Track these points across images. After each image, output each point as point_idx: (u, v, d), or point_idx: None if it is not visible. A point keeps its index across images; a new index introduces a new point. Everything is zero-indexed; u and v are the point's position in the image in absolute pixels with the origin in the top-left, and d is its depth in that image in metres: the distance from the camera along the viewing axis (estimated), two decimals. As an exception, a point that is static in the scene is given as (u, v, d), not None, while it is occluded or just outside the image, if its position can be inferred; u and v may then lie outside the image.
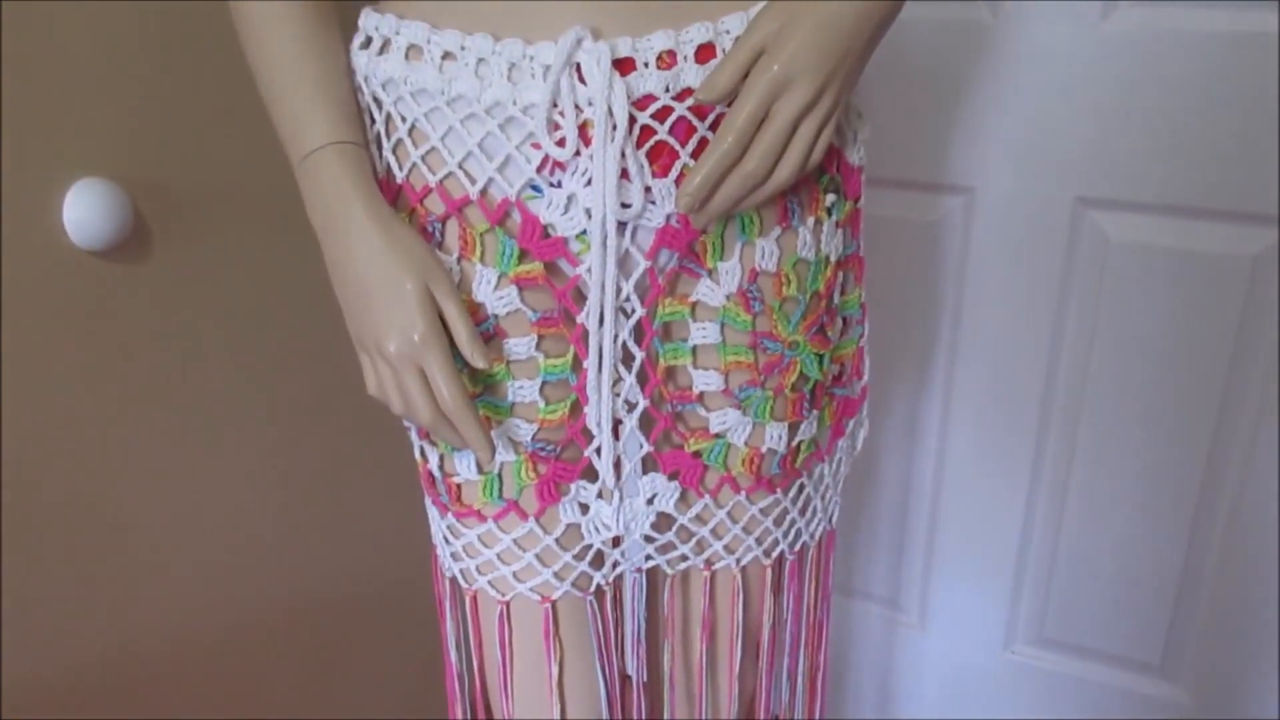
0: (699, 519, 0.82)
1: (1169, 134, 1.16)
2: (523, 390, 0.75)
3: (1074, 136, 1.20)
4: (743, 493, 0.81)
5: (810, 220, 0.75)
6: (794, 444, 0.81)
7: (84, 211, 0.84)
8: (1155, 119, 1.16)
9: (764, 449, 0.79)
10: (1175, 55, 1.13)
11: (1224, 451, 1.24)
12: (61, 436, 0.89)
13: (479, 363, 0.69)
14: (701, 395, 0.78)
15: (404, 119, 0.71)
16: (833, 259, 0.78)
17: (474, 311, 0.73)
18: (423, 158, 0.72)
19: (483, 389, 0.75)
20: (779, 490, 0.82)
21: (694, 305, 0.75)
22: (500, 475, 0.78)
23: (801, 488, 0.85)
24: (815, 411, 0.81)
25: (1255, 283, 1.17)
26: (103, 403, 0.92)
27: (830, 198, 0.76)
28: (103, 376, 0.91)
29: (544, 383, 0.75)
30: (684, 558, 0.84)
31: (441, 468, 0.79)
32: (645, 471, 0.80)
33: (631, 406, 0.78)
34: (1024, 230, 1.27)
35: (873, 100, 1.28)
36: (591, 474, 0.79)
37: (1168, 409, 1.25)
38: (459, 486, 0.79)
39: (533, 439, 0.77)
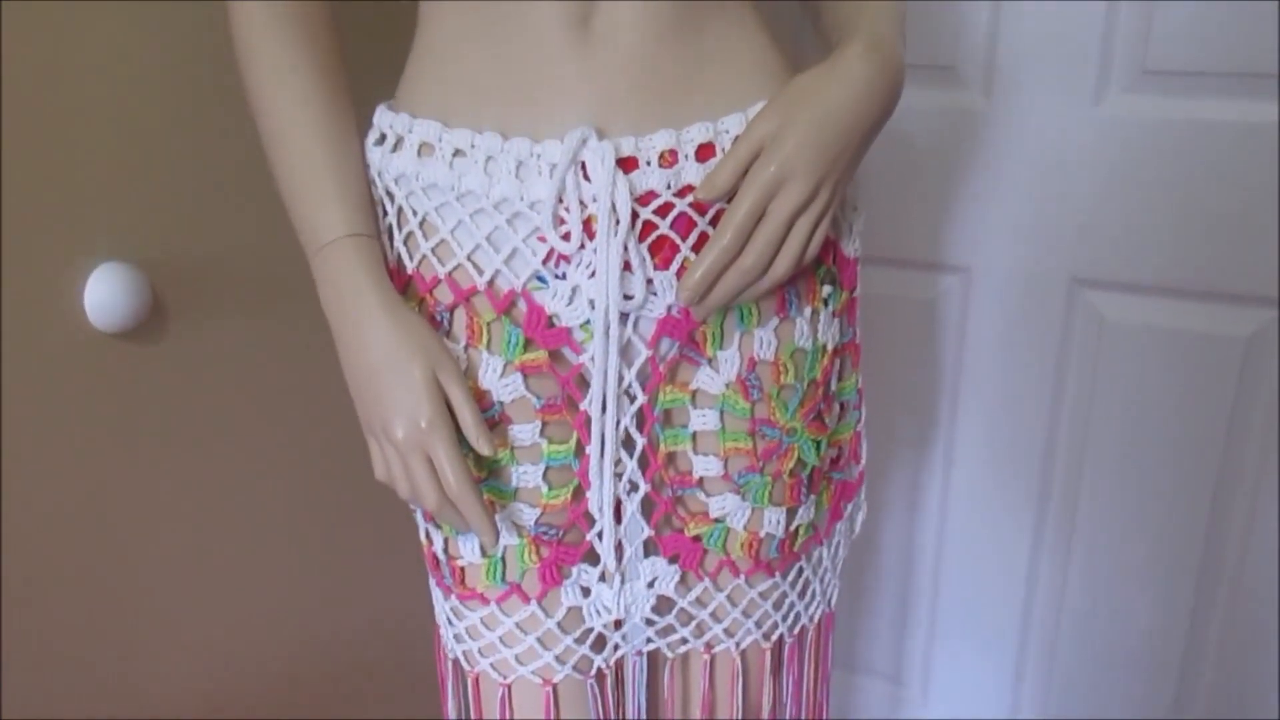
0: (699, 602, 0.83)
1: (1163, 216, 1.18)
2: (526, 475, 0.77)
3: (1069, 217, 1.23)
4: (742, 576, 0.82)
5: (807, 310, 0.77)
6: (792, 528, 0.82)
7: (104, 295, 0.86)
8: (1149, 201, 1.19)
9: (762, 533, 0.80)
10: (1167, 140, 1.16)
11: (1223, 525, 1.24)
12: (74, 512, 0.91)
13: (484, 449, 0.71)
14: (701, 480, 0.79)
15: (415, 212, 0.74)
16: (829, 347, 0.80)
17: (480, 398, 0.75)
18: (433, 249, 0.74)
19: (487, 473, 0.77)
20: (778, 574, 0.84)
21: (694, 392, 0.77)
22: (503, 558, 0.79)
23: (800, 571, 0.86)
24: (813, 496, 0.83)
25: (1249, 363, 1.19)
26: (115, 478, 0.93)
27: (827, 289, 0.78)
28: (117, 454, 0.93)
29: (547, 467, 0.77)
30: (684, 640, 0.85)
31: (446, 550, 0.81)
32: (646, 555, 0.82)
33: (633, 490, 0.79)
34: (1020, 309, 1.29)
35: (871, 180, 1.31)
36: (593, 557, 0.80)
37: (1166, 485, 1.26)
38: (463, 569, 0.80)
39: (536, 522, 0.78)
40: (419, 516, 0.82)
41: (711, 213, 0.71)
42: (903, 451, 1.42)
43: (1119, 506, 1.29)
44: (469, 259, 0.73)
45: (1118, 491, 1.29)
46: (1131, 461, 1.27)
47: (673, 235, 0.71)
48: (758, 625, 0.85)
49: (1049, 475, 1.33)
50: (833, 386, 0.83)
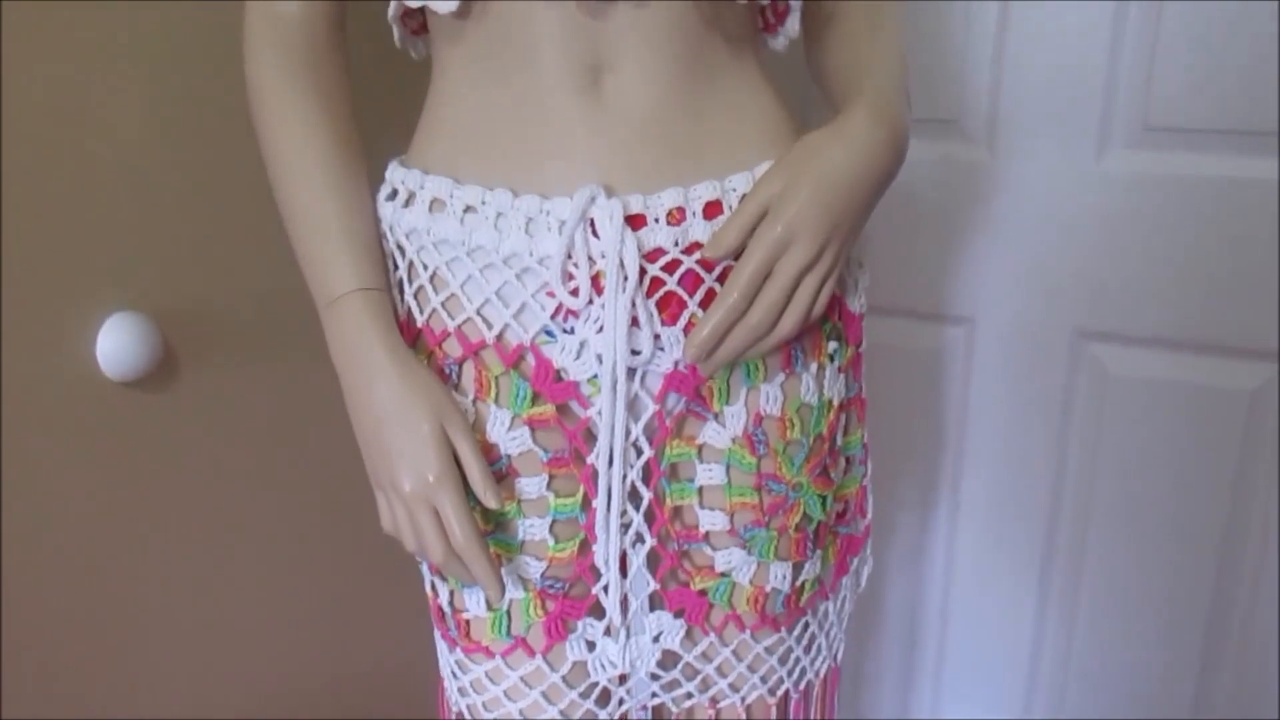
0: (704, 656, 0.83)
1: (1165, 270, 1.19)
2: (533, 528, 0.77)
3: (1072, 270, 1.24)
4: (747, 631, 0.82)
5: (813, 366, 0.78)
6: (798, 583, 0.82)
7: (116, 344, 0.87)
8: (1151, 255, 1.20)
9: (768, 588, 0.80)
10: (1169, 195, 1.17)
11: (1230, 579, 1.24)
12: (84, 558, 0.91)
13: (491, 502, 0.71)
14: (707, 534, 0.79)
15: (426, 266, 0.75)
16: (835, 402, 0.80)
17: (487, 451, 0.75)
18: (443, 303, 0.75)
19: (494, 526, 0.77)
20: (783, 629, 0.83)
21: (700, 447, 0.77)
22: (509, 612, 0.79)
23: (806, 626, 0.85)
24: (819, 550, 0.83)
25: (1254, 417, 1.19)
26: (124, 524, 0.94)
27: (832, 345, 0.79)
28: (127, 500, 0.93)
29: (554, 521, 0.77)
30: (689, 695, 0.85)
31: (451, 603, 0.81)
32: (651, 609, 0.82)
33: (639, 542, 0.79)
34: (1024, 360, 1.30)
35: (875, 231, 1.33)
36: (598, 611, 0.80)
37: (1172, 538, 1.26)
38: (468, 622, 0.80)
39: (542, 576, 0.78)
40: (425, 569, 0.82)
41: (718, 270, 0.72)
42: (908, 504, 1.42)
43: (1125, 560, 1.29)
44: (478, 313, 0.74)
45: (1124, 545, 1.28)
46: (1137, 514, 1.27)
47: (680, 291, 0.72)
48: (763, 680, 0.85)
49: (1054, 528, 1.33)
50: (838, 441, 0.83)
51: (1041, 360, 1.29)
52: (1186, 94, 1.14)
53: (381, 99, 1.03)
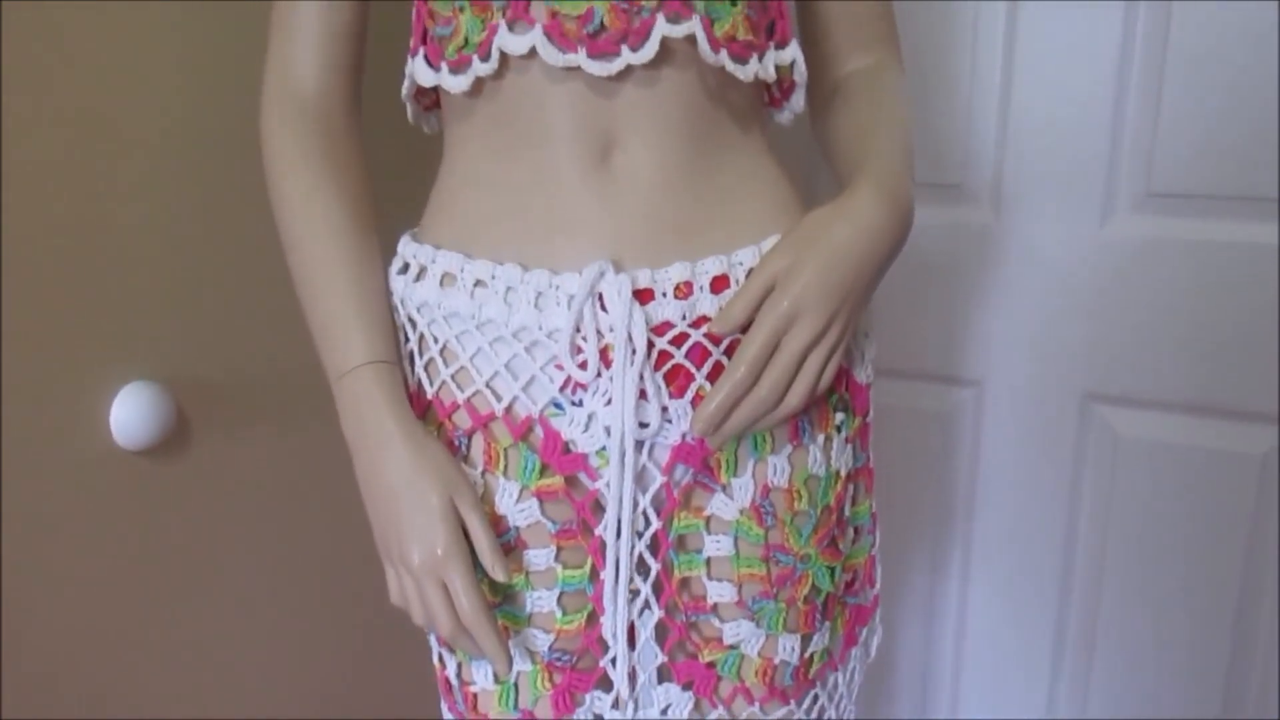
0: (713, 729, 0.82)
1: (1171, 334, 1.20)
2: (541, 600, 0.77)
3: (1079, 333, 1.25)
4: (756, 703, 0.81)
5: (820, 437, 0.78)
6: (807, 655, 0.81)
7: (130, 414, 0.88)
8: (1157, 319, 1.20)
9: (777, 660, 0.80)
10: (1173, 260, 1.18)
11: (1247, 643, 1.22)
12: (93, 628, 0.91)
13: (499, 576, 0.71)
14: (715, 606, 0.79)
15: (436, 339, 0.76)
16: (843, 473, 0.81)
17: (496, 523, 0.75)
18: (452, 376, 0.76)
19: (502, 598, 0.77)
20: (792, 701, 0.83)
21: (708, 518, 0.78)
22: (516, 684, 0.79)
23: (815, 698, 0.85)
24: (827, 622, 0.82)
25: (1265, 479, 1.18)
26: (134, 593, 0.94)
27: (839, 416, 0.79)
28: (136, 568, 0.93)
29: (562, 593, 0.77)
30: (698, 768, 0.84)
31: (459, 675, 0.80)
32: (660, 681, 0.81)
33: (646, 613, 0.79)
34: (1034, 423, 1.30)
35: (883, 293, 1.33)
36: (606, 684, 0.79)
37: (1186, 600, 1.25)
38: (475, 695, 0.80)
39: (549, 649, 0.78)
40: (433, 640, 0.82)
41: (726, 343, 0.73)
42: (918, 567, 1.41)
43: (1139, 626, 1.28)
44: (488, 385, 0.75)
45: (1137, 608, 1.27)
46: (1150, 577, 1.26)
47: (687, 364, 0.73)
48: (773, 753, 0.84)
49: (1067, 592, 1.32)
50: (846, 511, 0.83)
51: (1051, 422, 1.29)
52: (1189, 160, 1.15)
53: (395, 171, 1.05)
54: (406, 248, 0.79)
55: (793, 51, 0.75)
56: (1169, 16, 1.13)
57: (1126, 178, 1.19)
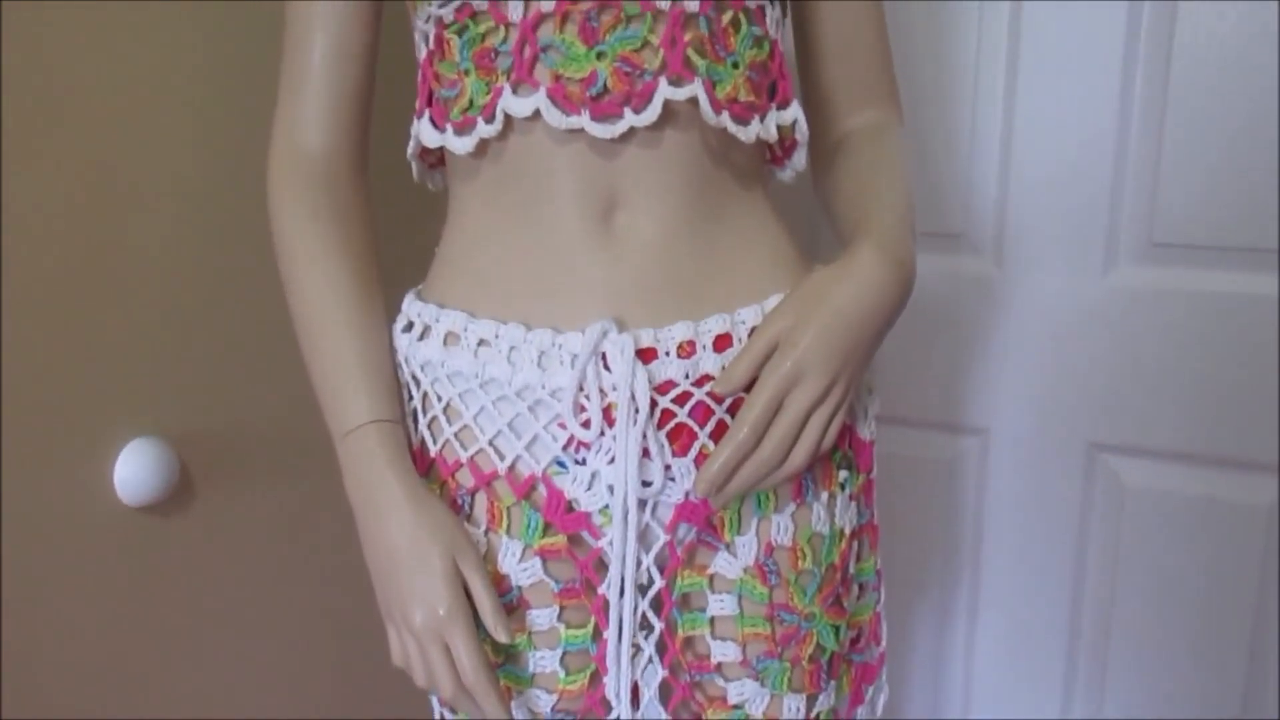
0: (718, 791, 0.81)
1: (1175, 384, 1.20)
2: (543, 660, 0.77)
3: (1084, 383, 1.24)
4: (762, 764, 0.81)
5: (824, 495, 0.78)
6: (812, 715, 0.80)
7: (134, 471, 0.88)
8: (1161, 369, 1.20)
9: (782, 720, 0.79)
10: (1176, 310, 1.18)
11: (1257, 696, 1.21)
12: (99, 685, 0.90)
13: (502, 637, 0.71)
14: (719, 665, 0.79)
15: (440, 398, 0.76)
16: (847, 531, 0.80)
17: (499, 582, 0.75)
18: (456, 434, 0.76)
19: (504, 659, 0.77)
20: (798, 761, 0.82)
21: (712, 577, 0.77)
22: (519, 745, 0.78)
23: (821, 758, 0.84)
24: (833, 681, 0.82)
25: (1269, 530, 1.18)
26: (138, 650, 0.93)
27: (843, 474, 0.79)
28: (139, 625, 0.93)
29: (565, 652, 0.77)
30: (702, 830, 0.83)
31: (461, 736, 0.80)
32: (664, 742, 0.80)
33: (650, 673, 0.79)
34: (1039, 472, 1.29)
35: (888, 343, 1.33)
36: (610, 744, 0.79)
37: (1196, 651, 1.23)
38: (478, 756, 0.79)
39: (552, 709, 0.77)
40: (434, 701, 0.82)
41: (729, 401, 0.73)
42: (925, 618, 1.40)
43: (1148, 678, 1.26)
44: (491, 444, 0.75)
45: (1147, 662, 1.26)
46: (1159, 630, 1.25)
47: (690, 423, 0.73)
48: (778, 815, 0.83)
49: (1075, 642, 1.30)
50: (851, 569, 0.82)
51: (1057, 471, 1.28)
52: (1191, 211, 1.16)
53: (400, 226, 1.05)
54: (411, 306, 0.79)
55: (794, 111, 0.76)
56: (1168, 69, 1.14)
57: (1128, 228, 1.20)
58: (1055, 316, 1.25)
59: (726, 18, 0.72)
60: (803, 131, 0.77)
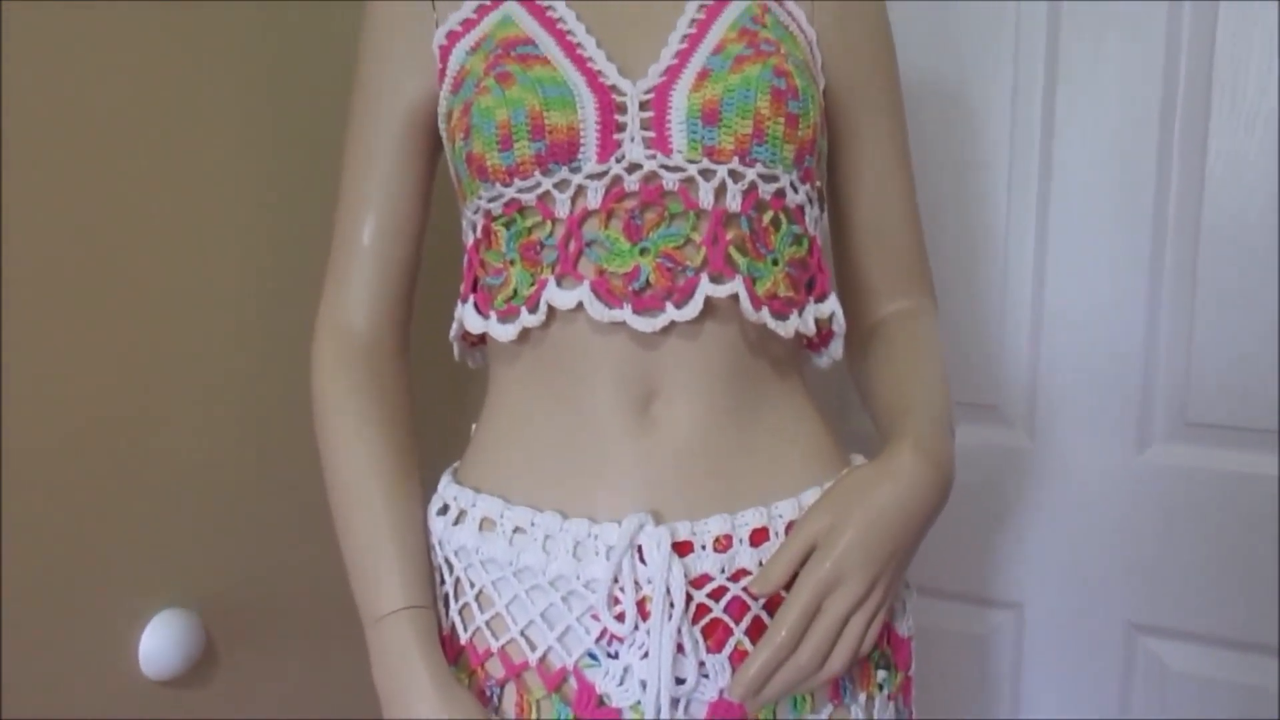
0: None
1: (1215, 565, 1.17)
2: None
3: (1119, 560, 1.22)
4: None
5: (861, 696, 0.76)
6: None
7: (160, 643, 0.87)
8: (1200, 549, 1.17)
9: None
10: (1212, 490, 1.16)
11: None
12: None
13: (528, 841, 0.68)
14: None
15: (473, 584, 0.75)
16: (885, 732, 0.78)
17: (526, 779, 0.73)
18: (487, 622, 0.75)
19: None
20: None
21: (747, 778, 0.75)
22: None
23: None
24: None
25: (1324, 724, 1.13)
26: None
27: (881, 674, 0.77)
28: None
29: None
30: None
31: None
32: None
33: None
34: (1076, 650, 1.25)
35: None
36: None
37: None
38: None
39: None
40: None
41: (765, 597, 0.72)
42: (959, 798, 1.34)
43: None
44: (522, 634, 0.74)
45: None
46: (1208, 827, 1.19)
47: (726, 619, 0.72)
48: None
49: (1119, 837, 1.24)
50: (888, 770, 0.80)
51: (1095, 651, 1.24)
52: (1224, 391, 1.15)
53: (438, 401, 1.06)
54: (448, 489, 0.79)
55: (831, 304, 0.77)
56: (1195, 249, 1.15)
57: (1162, 405, 1.19)
58: (1090, 491, 1.23)
59: (767, 217, 0.73)
60: (840, 324, 0.78)
